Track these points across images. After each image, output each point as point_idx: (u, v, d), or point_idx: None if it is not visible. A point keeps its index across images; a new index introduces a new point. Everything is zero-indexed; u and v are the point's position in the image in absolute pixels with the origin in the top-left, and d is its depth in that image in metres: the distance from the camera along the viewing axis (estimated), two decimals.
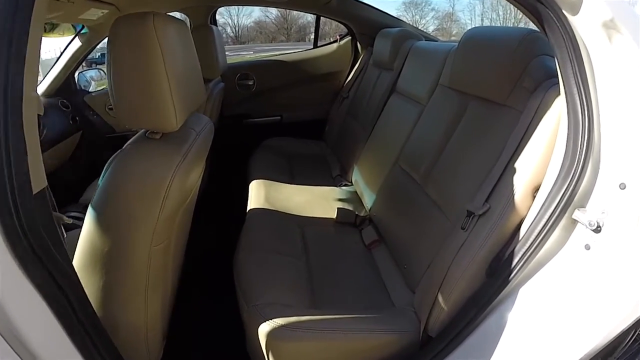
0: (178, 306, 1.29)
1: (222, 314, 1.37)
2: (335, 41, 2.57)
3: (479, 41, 1.23)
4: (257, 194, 1.71)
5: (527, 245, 0.88)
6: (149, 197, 0.78)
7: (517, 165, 0.97)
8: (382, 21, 2.29)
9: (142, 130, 0.88)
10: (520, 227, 0.94)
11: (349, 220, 1.63)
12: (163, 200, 0.79)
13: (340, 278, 1.29)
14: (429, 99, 1.51)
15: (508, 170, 0.99)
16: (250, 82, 2.45)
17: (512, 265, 0.90)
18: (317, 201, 1.74)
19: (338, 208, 1.64)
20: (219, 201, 2.13)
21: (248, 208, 1.61)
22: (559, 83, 0.88)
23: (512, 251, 0.91)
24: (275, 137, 2.42)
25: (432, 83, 1.52)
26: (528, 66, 1.05)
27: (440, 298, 1.03)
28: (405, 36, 1.96)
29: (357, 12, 2.36)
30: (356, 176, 1.88)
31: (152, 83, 0.76)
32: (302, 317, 1.02)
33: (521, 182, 0.94)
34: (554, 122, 0.92)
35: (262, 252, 1.31)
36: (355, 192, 1.88)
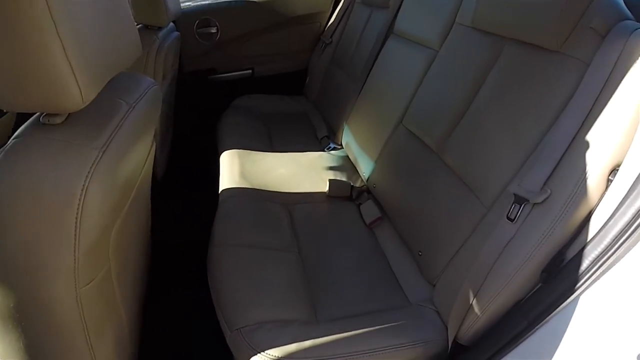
0: (149, 316, 1.04)
1: (200, 319, 1.12)
2: None
3: None
4: (230, 169, 1.40)
5: (603, 246, 0.66)
6: (52, 222, 0.48)
7: (589, 137, 0.72)
8: None
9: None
10: (589, 220, 0.71)
11: (344, 194, 1.37)
12: (76, 222, 0.49)
13: (342, 272, 1.05)
14: (443, 42, 1.21)
15: (577, 144, 0.73)
16: (213, 30, 2.03)
17: (581, 271, 0.68)
18: (304, 172, 1.46)
19: (330, 179, 1.37)
20: (186, 179, 1.81)
21: (220, 188, 1.32)
22: None
23: (581, 252, 0.69)
24: (247, 94, 2.06)
25: (446, 22, 1.21)
26: (593, 2, 0.78)
27: (476, 303, 0.80)
28: None
29: None
30: (347, 138, 1.60)
31: (31, 39, 0.45)
32: (304, 343, 0.78)
33: (595, 162, 0.70)
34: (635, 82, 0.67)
35: (241, 248, 1.03)
36: (347, 157, 1.60)
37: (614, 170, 0.69)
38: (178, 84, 1.90)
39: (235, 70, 2.12)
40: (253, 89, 2.11)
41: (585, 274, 0.68)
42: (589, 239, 0.69)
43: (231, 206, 1.20)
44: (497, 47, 0.99)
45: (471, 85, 1.03)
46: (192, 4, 2.08)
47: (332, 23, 2.05)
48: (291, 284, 0.96)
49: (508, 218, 0.78)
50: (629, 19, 0.77)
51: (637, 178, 0.64)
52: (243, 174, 1.36)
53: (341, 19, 1.98)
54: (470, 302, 0.81)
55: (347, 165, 1.56)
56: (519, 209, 0.77)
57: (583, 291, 0.68)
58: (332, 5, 2.12)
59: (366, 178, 1.39)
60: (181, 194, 1.73)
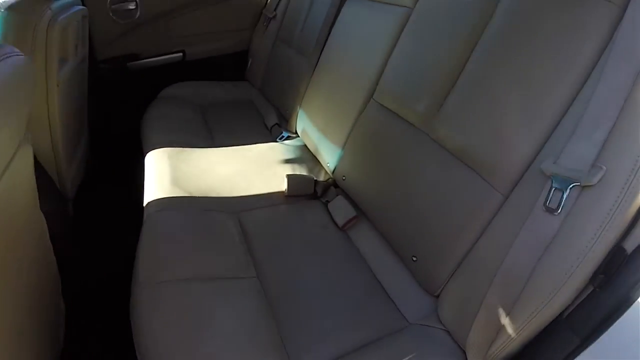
0: None
1: None
2: None
3: None
4: (159, 174, 1.08)
5: None
6: None
7: None
8: None
9: None
10: None
11: (307, 191, 1.10)
12: None
13: (317, 294, 0.80)
14: None
15: (632, 104, 0.54)
16: (131, 6, 1.65)
17: None
18: (254, 169, 1.18)
19: (287, 175, 1.10)
20: (105, 193, 1.46)
21: (145, 200, 1.00)
22: None
23: None
24: (178, 82, 1.72)
25: None
26: None
27: (510, 321, 0.60)
28: None
29: None
30: (303, 124, 1.33)
31: None
32: None
33: None
34: None
35: (176, 284, 0.74)
36: (305, 146, 1.34)
37: None
38: (91, 75, 1.54)
39: (162, 54, 1.77)
40: (185, 76, 1.77)
41: None
42: None
43: (159, 224, 0.89)
44: None
45: (463, 43, 0.81)
46: None
47: None
48: (252, 327, 0.69)
49: (547, 208, 0.57)
50: None
51: None
52: (174, 178, 1.05)
53: None
54: (501, 320, 0.60)
55: (306, 155, 1.29)
56: (563, 195, 0.56)
57: None
58: None
59: (332, 169, 1.13)
60: (99, 213, 1.38)
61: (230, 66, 1.90)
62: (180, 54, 1.79)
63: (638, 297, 0.52)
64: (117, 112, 1.70)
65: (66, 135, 1.19)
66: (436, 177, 0.79)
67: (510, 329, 0.59)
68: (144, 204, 0.99)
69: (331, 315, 0.75)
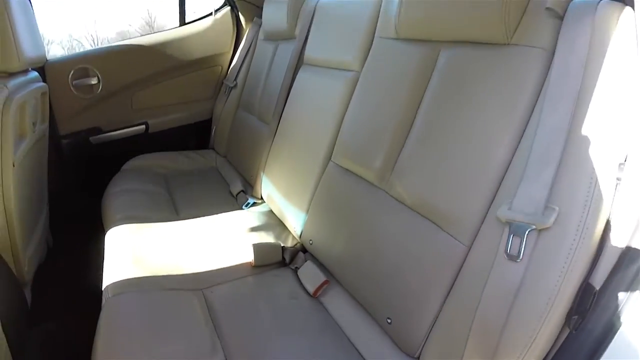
0: None
1: None
2: (210, 14, 1.87)
3: None
4: (119, 253, 1.04)
5: None
6: None
7: (587, 131, 0.57)
8: None
9: None
10: (607, 232, 0.55)
11: (275, 260, 1.08)
12: None
13: None
14: (364, 61, 1.04)
15: (575, 142, 0.57)
16: (93, 81, 1.67)
17: (619, 299, 0.53)
18: (219, 241, 1.15)
19: (254, 245, 1.08)
20: (65, 277, 1.38)
21: (104, 283, 0.95)
22: None
23: (615, 275, 0.54)
24: (142, 154, 1.72)
25: (364, 39, 1.06)
26: None
27: None
28: None
29: None
30: (268, 189, 1.34)
31: None
32: None
33: (602, 158, 0.55)
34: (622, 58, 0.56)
35: None
36: (272, 212, 1.33)
37: (620, 164, 0.55)
38: (52, 151, 1.51)
39: (125, 127, 1.77)
40: (149, 148, 1.76)
41: (626, 301, 0.53)
42: (619, 253, 0.54)
43: (117, 310, 0.84)
44: (431, 55, 0.84)
45: (408, 100, 0.86)
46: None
47: (235, 64, 1.82)
48: None
49: (509, 255, 0.58)
50: None
51: None
52: (136, 258, 1.01)
53: (244, 58, 1.76)
54: None
55: (273, 221, 1.28)
56: (522, 240, 0.57)
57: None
58: (232, 46, 1.91)
59: (299, 234, 1.13)
60: (57, 297, 1.29)
61: (193, 135, 1.92)
62: (143, 126, 1.80)
63: (616, 333, 0.52)
64: (79, 187, 1.66)
65: (23, 217, 1.14)
66: (400, 233, 0.80)
67: None
68: (102, 289, 0.94)
69: None
